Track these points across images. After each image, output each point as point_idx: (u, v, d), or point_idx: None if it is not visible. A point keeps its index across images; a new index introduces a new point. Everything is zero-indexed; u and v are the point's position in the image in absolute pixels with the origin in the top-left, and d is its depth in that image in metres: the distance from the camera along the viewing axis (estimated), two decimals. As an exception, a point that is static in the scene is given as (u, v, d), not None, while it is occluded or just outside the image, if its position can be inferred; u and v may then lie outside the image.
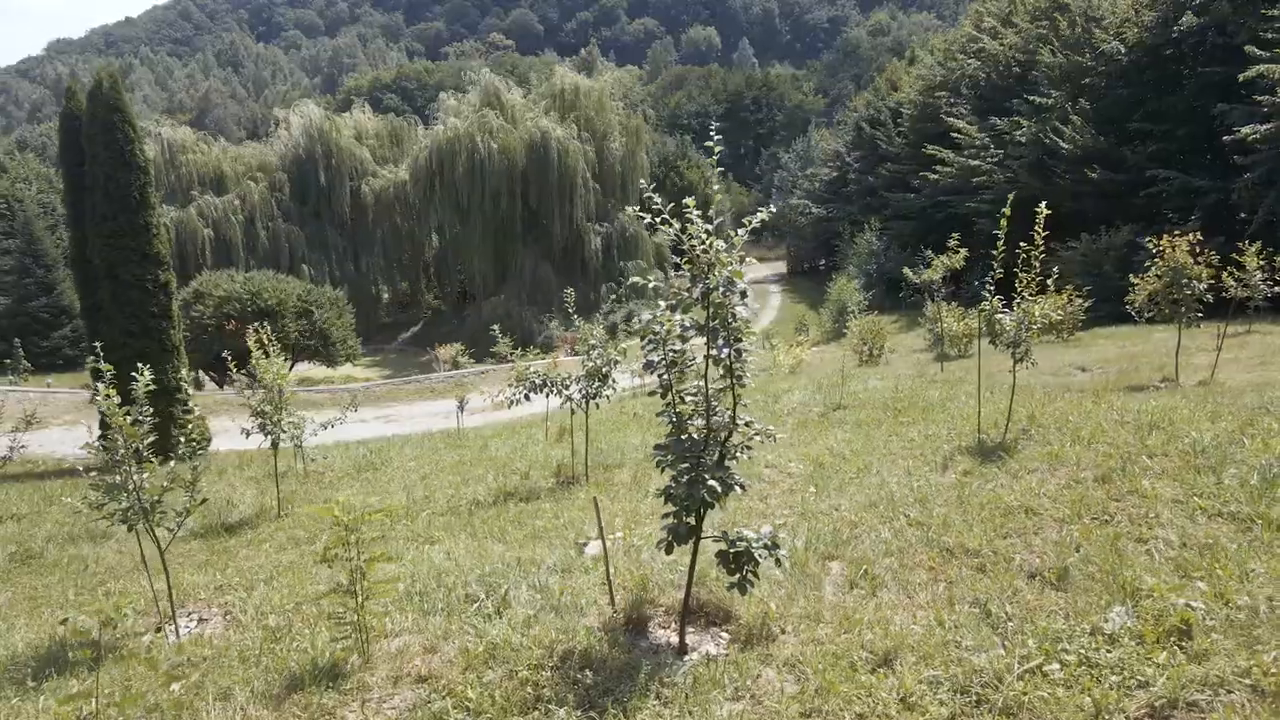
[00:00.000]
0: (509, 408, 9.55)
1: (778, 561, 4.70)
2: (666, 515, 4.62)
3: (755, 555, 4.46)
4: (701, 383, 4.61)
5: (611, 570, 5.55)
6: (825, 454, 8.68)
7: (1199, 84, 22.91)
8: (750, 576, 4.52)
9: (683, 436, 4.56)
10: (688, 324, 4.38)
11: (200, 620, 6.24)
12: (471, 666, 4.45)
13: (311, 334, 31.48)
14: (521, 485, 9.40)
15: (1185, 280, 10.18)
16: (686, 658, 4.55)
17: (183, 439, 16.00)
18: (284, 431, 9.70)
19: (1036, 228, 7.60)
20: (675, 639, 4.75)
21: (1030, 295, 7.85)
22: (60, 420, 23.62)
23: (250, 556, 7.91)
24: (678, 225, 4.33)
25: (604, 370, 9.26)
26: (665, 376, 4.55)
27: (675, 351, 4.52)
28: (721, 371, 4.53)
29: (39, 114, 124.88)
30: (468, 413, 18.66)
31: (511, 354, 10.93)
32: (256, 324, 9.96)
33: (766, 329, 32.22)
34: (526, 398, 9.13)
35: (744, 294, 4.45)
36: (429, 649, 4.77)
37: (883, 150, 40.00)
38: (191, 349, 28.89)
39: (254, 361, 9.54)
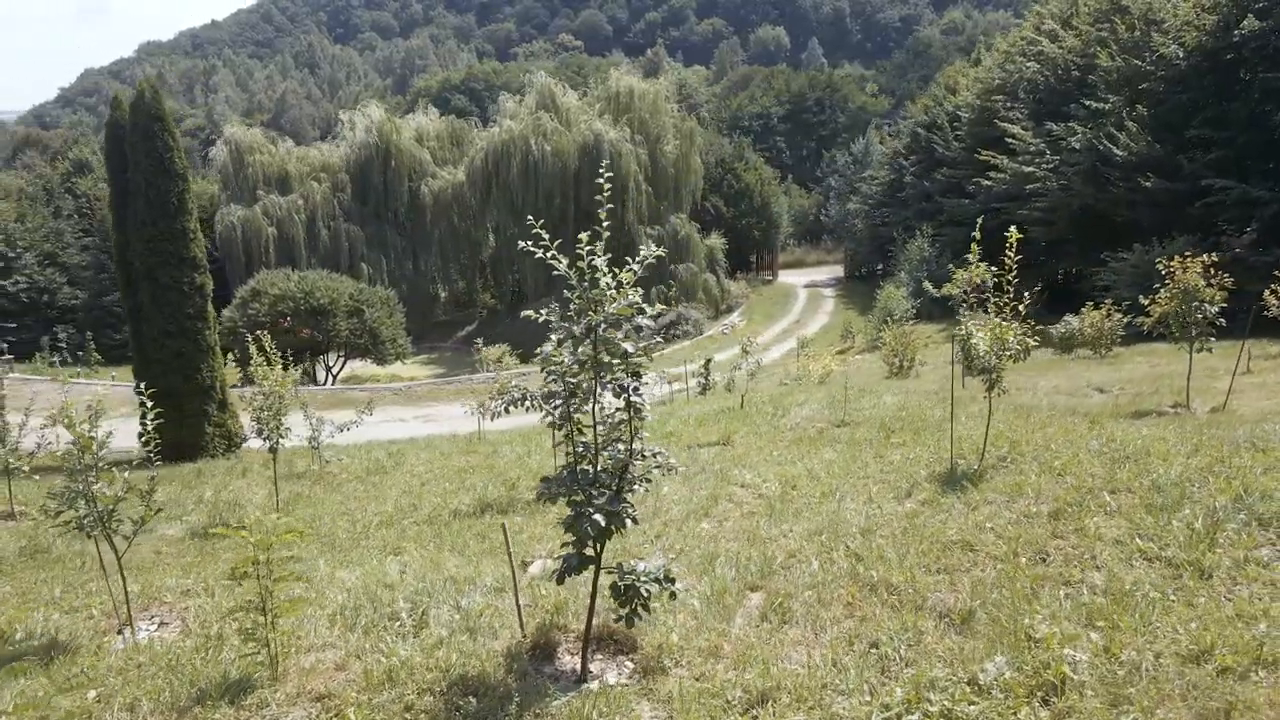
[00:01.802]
0: (491, 420, 9.66)
1: (672, 595, 4.74)
2: (565, 545, 4.68)
3: (641, 590, 4.50)
4: (620, 414, 4.67)
5: (527, 595, 5.65)
6: (803, 475, 8.62)
7: (1260, 90, 21.94)
8: (639, 609, 4.57)
9: (580, 468, 4.62)
10: (568, 359, 4.42)
11: (161, 624, 6.50)
12: (369, 687, 4.57)
13: (362, 332, 32.30)
14: (504, 496, 9.53)
15: (1197, 303, 9.81)
16: (584, 686, 4.60)
17: (216, 436, 16.59)
18: (281, 436, 9.99)
19: (1008, 252, 7.38)
20: (580, 666, 4.81)
21: (1005, 320, 7.63)
22: (118, 412, 24.64)
23: (231, 560, 8.18)
24: (565, 261, 4.38)
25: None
26: (562, 408, 4.61)
27: (572, 383, 4.57)
28: (621, 404, 4.58)
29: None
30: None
31: (494, 363, 11.05)
32: (258, 331, 10.28)
33: (806, 338, 31.94)
34: (506, 411, 9.23)
35: (638, 329, 4.49)
36: (340, 666, 4.91)
37: (939, 155, 39.22)
38: (246, 345, 29.88)
39: (253, 368, 9.85)
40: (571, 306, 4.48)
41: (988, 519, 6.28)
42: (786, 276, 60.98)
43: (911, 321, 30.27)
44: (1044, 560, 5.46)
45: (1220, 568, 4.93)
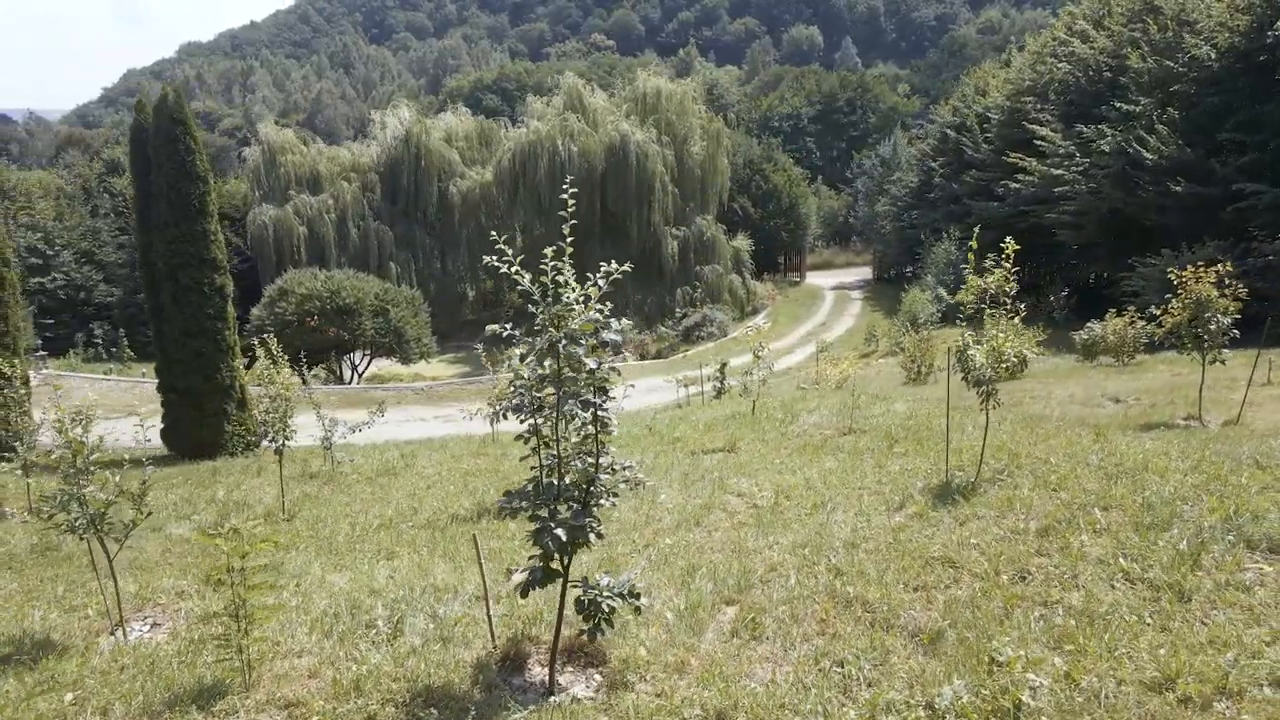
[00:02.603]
0: (492, 424, 9.72)
1: (637, 610, 4.74)
2: (533, 558, 4.70)
3: (602, 605, 4.51)
4: (588, 428, 4.68)
5: (506, 604, 5.67)
6: (799, 484, 8.57)
7: (1295, 92, 21.47)
8: (602, 625, 4.57)
9: (546, 481, 4.63)
10: (528, 374, 4.44)
11: (153, 625, 6.61)
12: (336, 696, 4.62)
13: (387, 332, 32.61)
14: (504, 501, 9.56)
15: (1209, 313, 9.61)
16: (550, 699, 4.62)
17: (235, 435, 16.81)
18: (287, 439, 10.12)
19: (1004, 264, 7.28)
20: (548, 678, 4.83)
21: (1002, 332, 7.52)
22: (145, 408, 25.10)
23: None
24: (529, 277, 4.39)
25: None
26: (531, 421, 4.62)
27: (538, 398, 4.58)
28: (590, 418, 4.58)
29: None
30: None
31: (497, 364, 11.03)
32: (266, 334, 10.43)
33: (825, 342, 31.71)
34: (504, 417, 9.28)
35: (604, 344, 4.49)
36: (312, 674, 4.97)
37: (968, 156, 38.71)
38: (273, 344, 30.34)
39: (260, 372, 9.99)
40: (536, 322, 4.49)
41: (974, 535, 6.21)
42: (814, 278, 60.59)
43: (937, 326, 29.98)
44: (1024, 579, 5.39)
45: (1201, 591, 4.84)
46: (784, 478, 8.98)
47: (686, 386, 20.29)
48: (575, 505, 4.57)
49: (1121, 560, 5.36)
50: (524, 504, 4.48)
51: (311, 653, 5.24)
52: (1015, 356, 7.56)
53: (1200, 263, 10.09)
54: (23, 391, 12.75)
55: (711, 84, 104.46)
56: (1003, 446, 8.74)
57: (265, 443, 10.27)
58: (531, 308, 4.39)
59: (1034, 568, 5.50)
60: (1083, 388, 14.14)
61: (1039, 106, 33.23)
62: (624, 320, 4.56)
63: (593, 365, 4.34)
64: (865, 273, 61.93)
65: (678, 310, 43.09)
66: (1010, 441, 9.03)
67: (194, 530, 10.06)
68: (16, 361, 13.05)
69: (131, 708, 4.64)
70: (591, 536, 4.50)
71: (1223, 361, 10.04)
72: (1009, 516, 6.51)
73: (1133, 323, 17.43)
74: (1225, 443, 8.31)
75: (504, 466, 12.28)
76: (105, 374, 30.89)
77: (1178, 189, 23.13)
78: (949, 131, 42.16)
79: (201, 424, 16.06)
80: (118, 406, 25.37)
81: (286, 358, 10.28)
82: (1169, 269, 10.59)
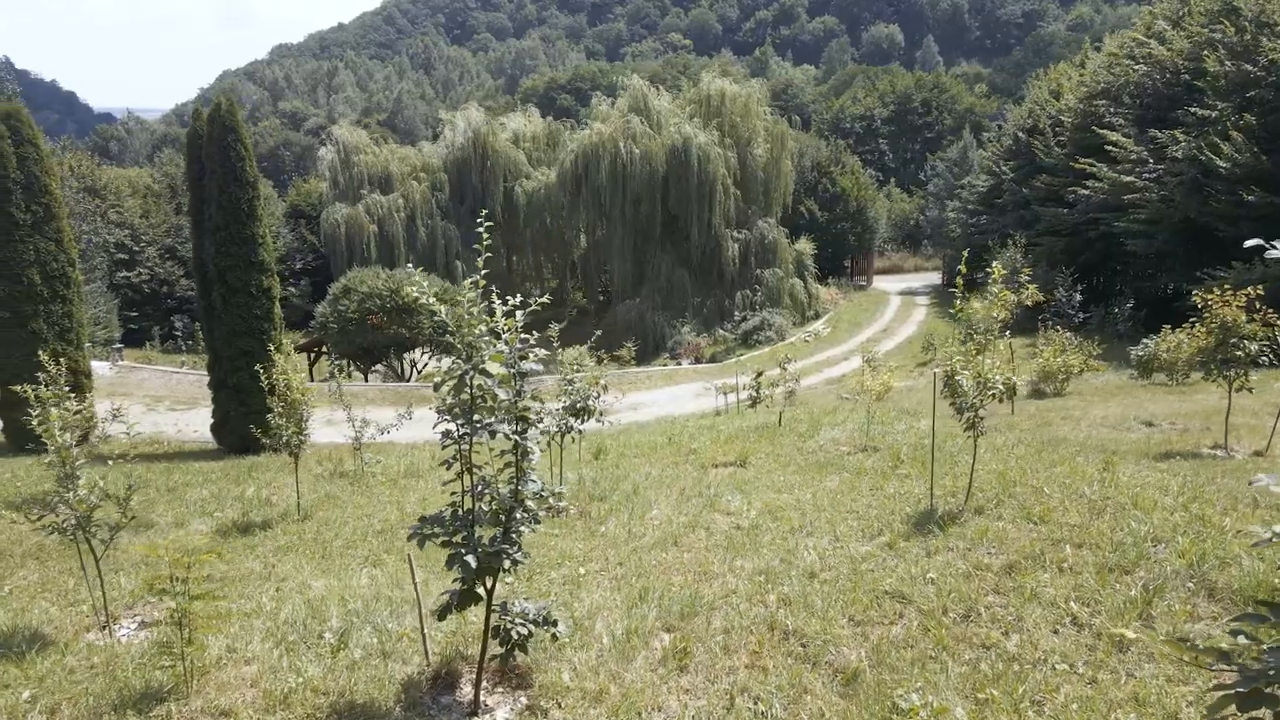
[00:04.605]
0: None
1: (554, 637, 4.79)
2: (456, 581, 4.79)
3: (512, 633, 4.57)
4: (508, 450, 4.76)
5: (456, 620, 5.77)
6: (790, 505, 8.49)
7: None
8: (515, 650, 4.64)
9: (466, 508, 4.72)
10: (447, 402, 4.53)
11: (143, 624, 6.91)
12: (267, 707, 4.79)
13: (444, 330, 33.30)
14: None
15: (1235, 340, 9.17)
16: None
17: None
18: (300, 445, 10.47)
19: (992, 287, 7.09)
20: (474, 698, 4.91)
21: (989, 357, 7.33)
22: (208, 401, 26.12)
23: (233, 561, 8.62)
24: (445, 309, 4.48)
25: (579, 405, 9.40)
26: (452, 448, 4.70)
27: (462, 425, 4.66)
28: (510, 446, 4.66)
29: (257, 114, 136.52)
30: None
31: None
32: (286, 351, 10.80)
33: (874, 351, 31.13)
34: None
35: (522, 375, 4.55)
36: (254, 683, 5.15)
37: (1040, 161, 37.48)
38: (337, 340, 31.59)
39: (275, 375, 10.34)
40: (451, 352, 4.59)
41: (936, 569, 6.07)
42: (881, 282, 59.50)
43: (999, 336, 29.10)
44: (969, 618, 5.26)
45: (1141, 641, 4.66)
46: (779, 497, 8.91)
47: (725, 394, 20.20)
48: (498, 531, 4.64)
49: (1073, 604, 5.19)
50: (437, 529, 4.56)
51: (260, 661, 5.43)
52: (1004, 384, 7.35)
53: (1227, 285, 9.63)
54: (66, 389, 13.39)
55: (785, 84, 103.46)
56: (1004, 473, 8.50)
57: (306, 436, 10.66)
58: (448, 337, 4.48)
59: (983, 607, 5.36)
60: (1121, 408, 13.62)
61: (1112, 110, 32.01)
62: (542, 350, 4.63)
63: (505, 396, 4.40)
64: (934, 278, 60.55)
65: (737, 313, 42.83)
66: (1014, 468, 8.77)
67: (214, 527, 10.49)
68: (66, 355, 13.70)
69: (78, 708, 4.88)
70: (507, 563, 4.57)
71: (1249, 389, 9.58)
72: (978, 550, 6.35)
73: (1190, 339, 16.67)
74: (1238, 476, 7.94)
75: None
76: (179, 366, 32.22)
77: (1251, 198, 22.07)
78: (1021, 134, 40.94)
79: (247, 419, 16.67)
80: (184, 399, 26.46)
81: (294, 357, 10.60)
82: (1192, 291, 10.14)
